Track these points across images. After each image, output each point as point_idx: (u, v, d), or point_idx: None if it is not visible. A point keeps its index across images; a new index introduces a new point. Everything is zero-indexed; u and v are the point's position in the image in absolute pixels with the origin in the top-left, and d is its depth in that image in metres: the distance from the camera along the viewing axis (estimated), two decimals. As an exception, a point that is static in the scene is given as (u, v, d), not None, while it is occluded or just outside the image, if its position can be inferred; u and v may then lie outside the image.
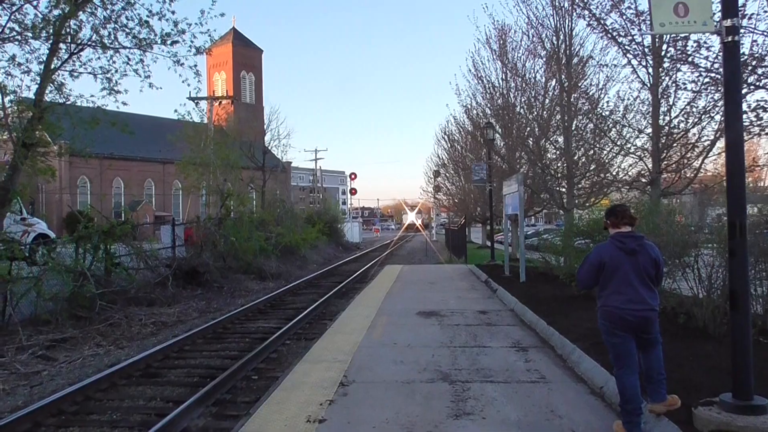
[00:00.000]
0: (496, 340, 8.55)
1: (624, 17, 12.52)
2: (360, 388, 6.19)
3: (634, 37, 12.68)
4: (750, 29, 10.20)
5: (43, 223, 19.69)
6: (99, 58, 13.38)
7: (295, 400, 5.77)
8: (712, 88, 11.37)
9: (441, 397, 5.79)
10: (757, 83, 10.44)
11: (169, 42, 13.56)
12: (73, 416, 6.80)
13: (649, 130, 13.80)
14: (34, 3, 12.49)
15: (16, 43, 12.54)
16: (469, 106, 29.12)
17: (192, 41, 13.85)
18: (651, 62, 12.86)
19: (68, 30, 12.80)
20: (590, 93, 17.06)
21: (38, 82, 12.62)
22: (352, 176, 63.47)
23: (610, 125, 15.40)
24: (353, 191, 64.13)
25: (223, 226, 22.34)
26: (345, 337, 8.86)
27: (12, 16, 12.28)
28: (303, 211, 44.37)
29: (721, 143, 11.94)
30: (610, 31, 13.15)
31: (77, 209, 34.49)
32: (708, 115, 12.23)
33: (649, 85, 13.22)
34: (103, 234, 14.34)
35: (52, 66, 12.66)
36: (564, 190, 20.12)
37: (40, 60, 12.69)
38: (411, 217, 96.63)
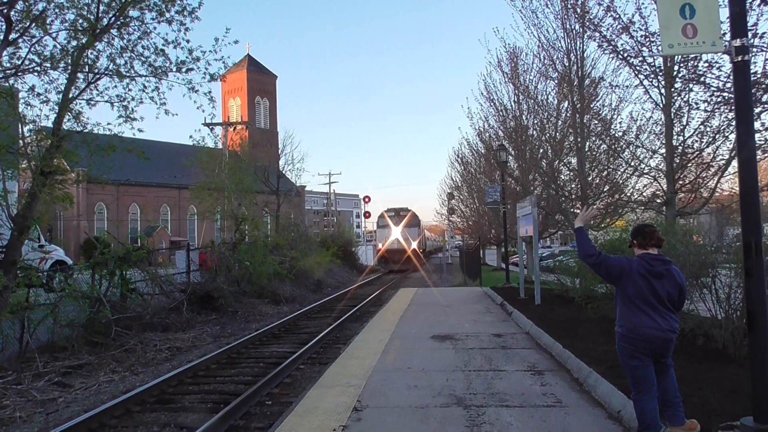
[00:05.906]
0: (511, 364, 8.46)
1: (634, 39, 12.51)
2: (374, 413, 6.14)
3: (646, 58, 12.65)
4: (763, 48, 10.16)
5: (60, 250, 19.91)
6: (116, 86, 13.54)
7: (308, 426, 5.74)
8: (725, 107, 11.29)
9: (455, 422, 5.73)
10: (771, 102, 10.37)
11: (184, 70, 13.71)
12: (87, 443, 6.80)
13: (663, 151, 13.70)
14: (54, 35, 12.78)
15: (36, 73, 12.81)
16: (482, 129, 29.17)
17: (206, 68, 13.98)
18: (663, 83, 12.81)
19: (86, 60, 13.03)
20: (603, 114, 17.02)
21: (56, 111, 12.82)
22: (366, 199, 63.24)
23: (624, 146, 15.30)
24: (367, 214, 63.83)
25: (238, 250, 22.40)
26: (358, 361, 8.82)
27: (32, 48, 12.57)
28: (317, 235, 44.51)
29: (736, 162, 11.79)
30: (621, 52, 13.13)
31: (94, 235, 34.89)
32: (722, 135, 12.11)
33: (661, 106, 13.15)
34: (119, 260, 14.47)
35: (70, 95, 12.86)
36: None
37: (59, 90, 12.90)
38: (395, 234, 48.98)
